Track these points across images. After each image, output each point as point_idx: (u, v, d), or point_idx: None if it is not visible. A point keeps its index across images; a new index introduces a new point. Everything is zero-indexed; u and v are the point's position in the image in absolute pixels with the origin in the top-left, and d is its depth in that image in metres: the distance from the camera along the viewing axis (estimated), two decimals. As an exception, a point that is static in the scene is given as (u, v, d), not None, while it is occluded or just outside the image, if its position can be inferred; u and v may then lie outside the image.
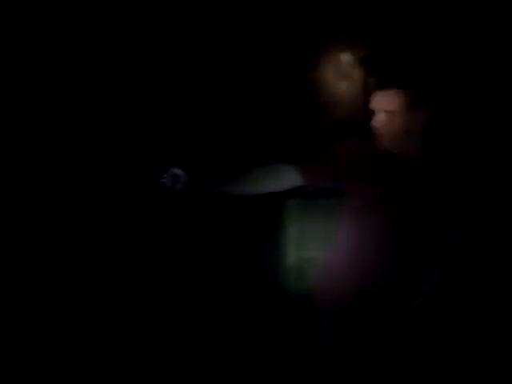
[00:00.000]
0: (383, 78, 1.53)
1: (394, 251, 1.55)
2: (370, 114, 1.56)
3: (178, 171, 1.54)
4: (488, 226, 1.82)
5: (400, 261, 1.56)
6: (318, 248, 2.61)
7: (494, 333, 2.42)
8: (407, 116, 1.51)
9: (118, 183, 2.68)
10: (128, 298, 2.65)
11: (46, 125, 2.59)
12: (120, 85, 2.64)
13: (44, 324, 2.48)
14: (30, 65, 2.51)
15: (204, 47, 2.66)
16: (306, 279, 2.75)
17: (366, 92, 1.97)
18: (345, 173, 1.59)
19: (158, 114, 2.72)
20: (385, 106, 1.50)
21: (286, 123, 2.71)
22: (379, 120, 1.52)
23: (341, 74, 2.74)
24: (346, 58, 2.75)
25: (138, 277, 2.70)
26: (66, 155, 2.62)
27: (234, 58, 2.65)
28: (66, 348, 2.41)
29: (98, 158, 2.65)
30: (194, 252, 2.76)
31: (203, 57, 2.66)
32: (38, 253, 2.58)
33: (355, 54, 2.68)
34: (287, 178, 1.62)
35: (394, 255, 1.55)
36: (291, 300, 2.72)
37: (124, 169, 2.67)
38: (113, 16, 2.55)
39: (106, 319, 2.57)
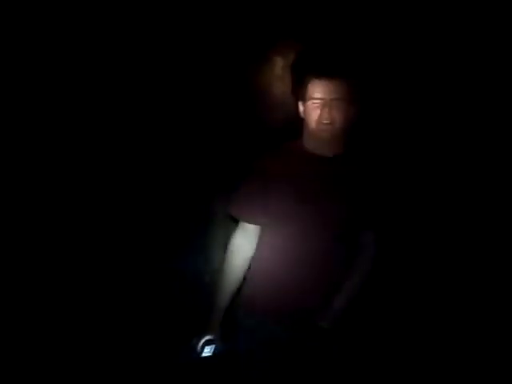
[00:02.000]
0: (325, 65, 1.52)
1: (319, 250, 1.57)
2: (303, 110, 1.55)
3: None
4: (406, 222, 1.88)
5: (325, 258, 1.58)
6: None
7: (418, 325, 2.49)
8: (347, 105, 1.50)
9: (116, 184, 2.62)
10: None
11: (46, 125, 2.53)
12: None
13: (44, 324, 2.44)
14: (29, 65, 2.47)
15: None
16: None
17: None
18: (271, 187, 1.56)
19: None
20: (330, 94, 1.48)
21: (221, 128, 2.66)
22: (323, 110, 1.48)
23: (274, 77, 2.70)
24: (278, 61, 2.72)
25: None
26: (66, 155, 2.56)
27: (164, 64, 2.60)
28: (66, 348, 2.38)
29: (97, 158, 2.59)
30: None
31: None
32: (38, 253, 2.52)
33: (287, 56, 2.65)
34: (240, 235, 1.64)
35: (320, 254, 1.57)
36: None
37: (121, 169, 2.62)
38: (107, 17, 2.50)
39: (105, 319, 2.53)
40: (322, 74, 1.48)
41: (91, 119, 2.58)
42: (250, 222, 1.61)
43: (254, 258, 1.65)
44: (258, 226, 1.62)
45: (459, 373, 2.31)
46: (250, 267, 1.66)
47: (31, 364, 2.30)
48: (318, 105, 1.49)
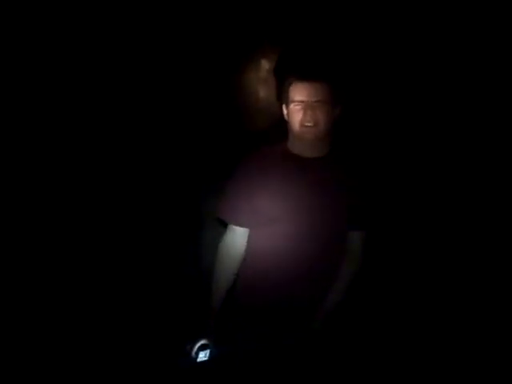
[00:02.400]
0: (307, 68, 1.54)
1: (307, 250, 1.57)
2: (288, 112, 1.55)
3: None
4: (392, 219, 1.88)
5: (313, 258, 1.58)
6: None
7: (407, 323, 2.51)
8: (329, 108, 1.51)
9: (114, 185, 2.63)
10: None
11: (38, 125, 2.53)
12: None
13: (43, 324, 2.44)
14: (29, 65, 2.47)
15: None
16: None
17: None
18: (257, 190, 1.57)
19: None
20: (312, 96, 1.49)
21: (205, 131, 2.68)
22: (306, 112, 1.49)
23: (259, 80, 2.72)
24: (263, 64, 2.73)
25: None
26: (66, 156, 2.57)
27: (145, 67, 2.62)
28: (66, 348, 2.37)
29: (97, 158, 2.60)
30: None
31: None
32: (38, 253, 2.53)
33: (272, 60, 2.66)
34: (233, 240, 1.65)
35: (307, 254, 1.57)
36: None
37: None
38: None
39: (105, 319, 2.53)
40: (304, 76, 1.50)
41: (80, 123, 2.57)
42: (238, 225, 1.62)
43: (243, 259, 1.66)
44: (247, 229, 1.63)
45: (453, 371, 2.32)
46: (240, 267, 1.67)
47: (31, 364, 2.29)
48: (300, 107, 1.50)
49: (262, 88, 2.74)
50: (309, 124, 1.50)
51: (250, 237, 1.65)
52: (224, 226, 1.67)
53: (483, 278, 2.47)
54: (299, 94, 1.50)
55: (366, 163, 1.65)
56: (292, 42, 2.47)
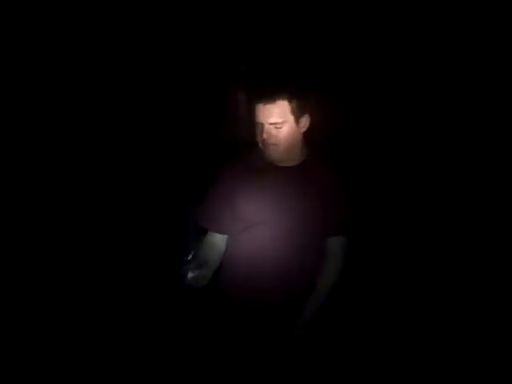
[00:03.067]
0: (260, 91, 1.54)
1: (287, 255, 1.60)
2: (255, 128, 1.58)
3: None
4: (372, 226, 1.90)
5: (293, 263, 1.61)
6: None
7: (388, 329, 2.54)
8: (291, 124, 1.54)
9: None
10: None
11: (40, 125, 2.56)
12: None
13: (44, 324, 2.44)
14: (30, 65, 2.49)
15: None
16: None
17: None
18: (235, 195, 1.60)
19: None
20: (269, 118, 1.51)
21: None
22: (266, 132, 1.53)
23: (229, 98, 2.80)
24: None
25: None
26: (66, 156, 2.59)
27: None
28: (66, 348, 2.38)
29: (97, 158, 2.63)
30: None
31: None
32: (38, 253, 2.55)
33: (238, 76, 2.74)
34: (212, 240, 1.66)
35: (288, 259, 1.60)
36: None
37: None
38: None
39: (105, 319, 2.54)
40: (260, 98, 1.52)
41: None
42: (216, 232, 1.65)
43: (223, 262, 1.70)
44: (225, 235, 1.66)
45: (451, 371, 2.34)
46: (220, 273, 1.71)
47: (31, 364, 2.30)
48: (261, 127, 1.54)
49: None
50: (270, 143, 1.54)
51: (227, 242, 1.68)
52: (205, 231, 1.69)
53: (472, 277, 2.51)
54: (258, 116, 1.53)
55: (343, 169, 1.69)
56: (250, 63, 2.52)
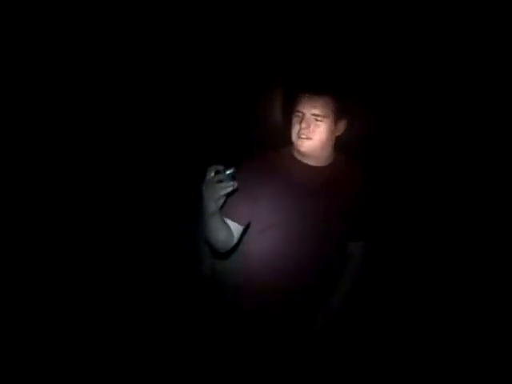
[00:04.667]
0: (310, 81, 1.53)
1: (309, 256, 1.57)
2: (290, 121, 1.56)
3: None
4: (394, 231, 1.87)
5: (314, 265, 1.59)
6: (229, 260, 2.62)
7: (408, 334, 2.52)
8: (330, 122, 1.52)
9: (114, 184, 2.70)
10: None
11: (42, 125, 2.57)
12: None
13: (44, 324, 2.45)
14: (30, 65, 2.50)
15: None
16: (222, 288, 2.73)
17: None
18: (258, 191, 1.57)
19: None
20: (312, 109, 1.49)
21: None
22: (305, 122, 1.50)
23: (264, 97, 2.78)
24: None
25: None
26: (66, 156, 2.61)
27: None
28: (66, 348, 2.39)
29: (97, 159, 2.66)
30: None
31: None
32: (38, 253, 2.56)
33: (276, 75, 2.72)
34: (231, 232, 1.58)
35: (309, 260, 1.57)
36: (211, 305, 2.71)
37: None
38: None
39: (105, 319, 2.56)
40: (307, 89, 1.51)
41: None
42: (233, 220, 1.58)
43: (244, 263, 1.68)
44: (241, 226, 1.61)
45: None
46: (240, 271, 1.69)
47: (31, 364, 2.30)
48: (299, 118, 1.52)
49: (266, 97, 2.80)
50: (303, 136, 1.51)
51: (248, 241, 1.65)
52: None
53: (485, 284, 2.49)
54: (300, 105, 1.52)
55: (369, 174, 1.66)
56: (298, 55, 2.50)
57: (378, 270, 2.31)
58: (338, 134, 1.57)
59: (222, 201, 1.36)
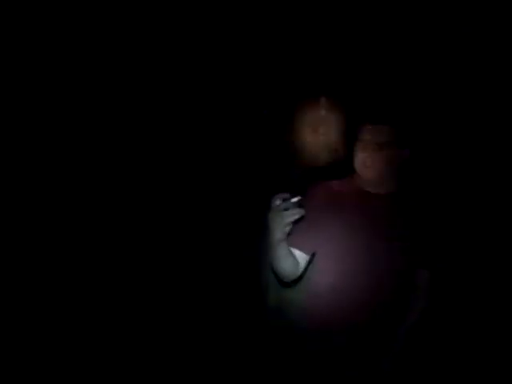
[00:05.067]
0: (373, 114, 1.55)
1: (373, 285, 1.56)
2: (352, 150, 1.58)
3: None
4: (460, 260, 1.81)
5: (379, 296, 1.57)
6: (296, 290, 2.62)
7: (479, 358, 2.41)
8: (393, 151, 1.53)
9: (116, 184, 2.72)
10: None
11: (47, 126, 2.61)
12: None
13: (44, 324, 2.47)
14: (30, 66, 2.53)
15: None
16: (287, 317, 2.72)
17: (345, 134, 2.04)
18: (323, 220, 1.58)
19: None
20: (376, 138, 1.51)
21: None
22: (368, 151, 1.53)
23: (316, 122, 2.79)
24: (321, 104, 2.81)
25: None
26: (66, 156, 2.64)
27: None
28: (66, 348, 2.40)
29: (97, 159, 2.69)
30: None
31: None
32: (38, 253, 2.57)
33: (328, 99, 2.74)
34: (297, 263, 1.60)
35: (373, 291, 1.56)
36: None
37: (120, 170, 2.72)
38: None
39: (105, 319, 2.57)
40: (371, 120, 1.53)
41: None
42: (297, 248, 1.60)
43: (309, 294, 1.69)
44: (306, 255, 1.62)
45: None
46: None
47: (31, 364, 2.30)
48: (362, 147, 1.54)
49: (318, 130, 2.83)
50: (368, 164, 1.53)
51: (313, 271, 1.66)
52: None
53: None
54: (364, 134, 1.53)
55: (434, 203, 1.65)
56: (362, 88, 2.53)
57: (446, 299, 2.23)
58: (400, 161, 1.57)
59: (288, 229, 1.36)
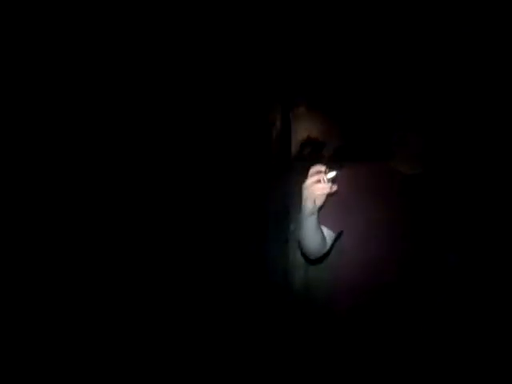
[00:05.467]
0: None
1: (401, 268, 1.55)
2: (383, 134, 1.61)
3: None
4: (489, 244, 1.78)
5: (406, 277, 1.56)
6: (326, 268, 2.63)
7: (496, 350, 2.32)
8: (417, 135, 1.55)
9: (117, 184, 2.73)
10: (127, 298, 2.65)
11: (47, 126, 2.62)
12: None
13: (44, 324, 2.47)
14: (30, 66, 2.53)
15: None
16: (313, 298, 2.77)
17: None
18: (353, 200, 1.58)
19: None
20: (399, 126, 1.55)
21: None
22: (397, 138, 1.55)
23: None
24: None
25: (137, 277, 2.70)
26: (66, 156, 2.65)
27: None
28: (66, 348, 2.40)
29: (97, 158, 2.70)
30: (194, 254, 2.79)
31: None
32: (38, 253, 2.57)
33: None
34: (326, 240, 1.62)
35: (401, 272, 1.55)
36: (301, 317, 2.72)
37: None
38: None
39: (105, 319, 2.57)
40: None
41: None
42: (331, 230, 1.61)
43: (337, 273, 1.68)
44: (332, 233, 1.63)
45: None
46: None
47: (31, 364, 2.30)
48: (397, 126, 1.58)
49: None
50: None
51: (342, 251, 1.66)
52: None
53: None
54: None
55: (463, 188, 1.64)
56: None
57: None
58: (426, 144, 1.57)
59: (319, 202, 1.37)
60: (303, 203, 1.39)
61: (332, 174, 1.33)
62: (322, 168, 1.34)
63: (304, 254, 1.68)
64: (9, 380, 2.21)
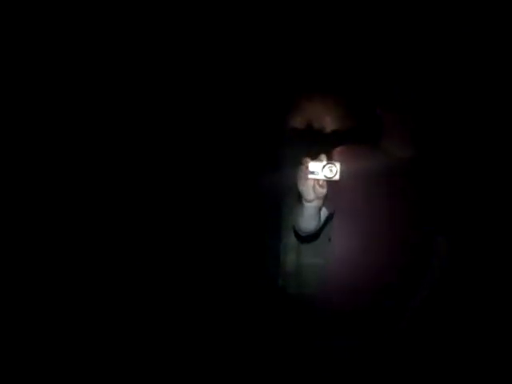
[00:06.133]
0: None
1: (393, 251, 1.57)
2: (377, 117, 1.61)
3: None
4: (479, 227, 1.79)
5: (398, 260, 1.58)
6: (315, 255, 2.67)
7: (490, 332, 2.39)
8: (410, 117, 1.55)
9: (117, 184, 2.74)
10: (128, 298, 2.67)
11: (47, 126, 2.62)
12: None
13: (44, 324, 2.48)
14: (30, 66, 2.53)
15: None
16: (305, 284, 2.78)
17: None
18: (349, 183, 1.58)
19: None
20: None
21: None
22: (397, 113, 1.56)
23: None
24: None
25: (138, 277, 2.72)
26: (66, 156, 2.65)
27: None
28: (66, 348, 2.40)
29: (97, 158, 2.70)
30: (194, 253, 2.80)
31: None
32: (38, 253, 2.58)
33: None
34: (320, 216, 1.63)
35: (393, 255, 1.57)
36: (292, 303, 2.74)
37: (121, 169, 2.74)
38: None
39: (106, 320, 2.59)
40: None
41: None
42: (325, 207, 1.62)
43: (331, 258, 1.69)
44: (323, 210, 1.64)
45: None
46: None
47: (31, 364, 2.30)
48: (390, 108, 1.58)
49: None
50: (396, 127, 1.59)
51: (336, 235, 1.67)
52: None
53: None
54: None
55: (459, 168, 1.65)
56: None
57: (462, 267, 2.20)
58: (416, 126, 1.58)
59: (317, 190, 1.39)
60: (300, 192, 1.41)
61: (323, 162, 1.35)
62: (320, 161, 1.36)
63: (296, 231, 1.70)
64: (9, 380, 2.21)
